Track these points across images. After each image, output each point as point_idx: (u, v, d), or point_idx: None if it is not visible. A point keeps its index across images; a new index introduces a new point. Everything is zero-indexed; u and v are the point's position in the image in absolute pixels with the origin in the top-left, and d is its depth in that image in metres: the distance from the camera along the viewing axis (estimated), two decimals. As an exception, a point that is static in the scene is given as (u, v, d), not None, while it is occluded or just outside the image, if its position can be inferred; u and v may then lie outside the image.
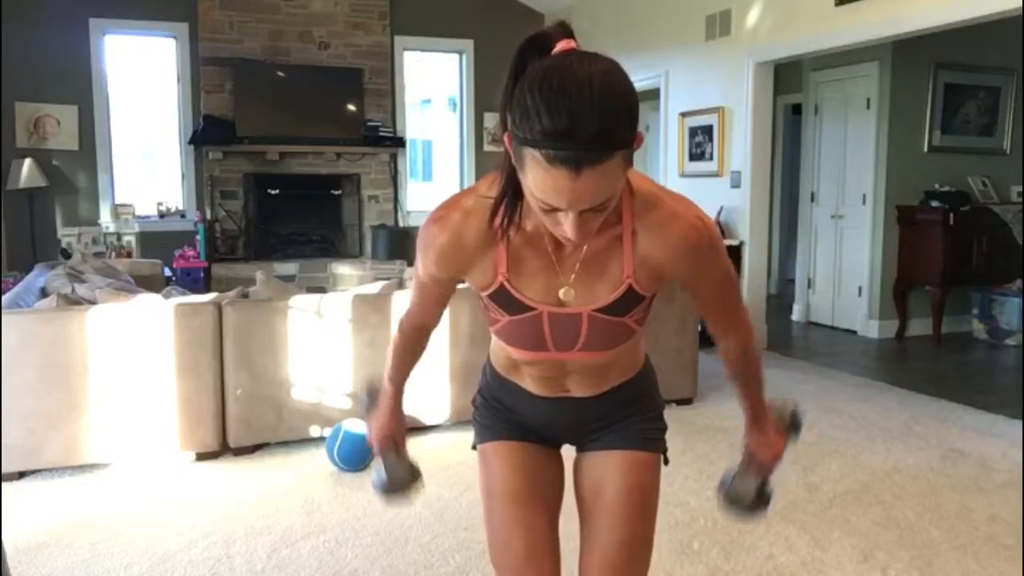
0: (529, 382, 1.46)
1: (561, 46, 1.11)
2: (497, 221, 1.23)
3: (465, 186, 8.99)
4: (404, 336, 1.58)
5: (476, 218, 1.26)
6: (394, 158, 8.02)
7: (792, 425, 1.56)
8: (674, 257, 1.27)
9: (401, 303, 3.83)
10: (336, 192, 7.97)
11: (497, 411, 1.52)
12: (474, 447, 1.57)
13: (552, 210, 1.10)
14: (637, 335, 1.39)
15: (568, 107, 1.01)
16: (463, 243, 1.28)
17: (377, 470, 1.62)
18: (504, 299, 1.32)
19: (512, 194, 1.20)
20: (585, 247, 1.26)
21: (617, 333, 1.34)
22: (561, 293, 1.30)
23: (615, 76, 1.06)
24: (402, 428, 1.65)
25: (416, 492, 1.64)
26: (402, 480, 1.60)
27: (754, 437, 1.54)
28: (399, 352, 1.60)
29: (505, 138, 1.11)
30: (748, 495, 1.52)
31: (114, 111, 7.38)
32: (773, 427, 1.54)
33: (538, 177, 1.06)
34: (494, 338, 1.47)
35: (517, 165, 1.10)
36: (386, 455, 1.61)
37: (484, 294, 1.34)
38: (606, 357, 1.38)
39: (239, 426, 3.66)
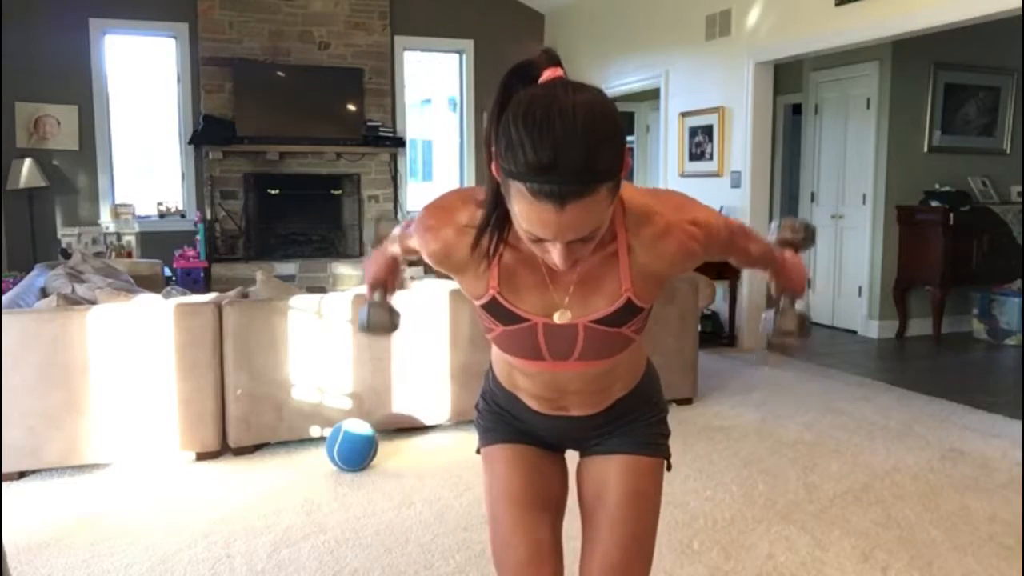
0: (528, 399, 1.47)
1: (547, 75, 1.10)
2: (484, 245, 1.22)
3: (465, 186, 8.93)
4: (402, 249, 1.59)
5: (468, 237, 1.24)
6: (394, 158, 8.02)
7: (806, 239, 1.68)
8: (675, 263, 1.28)
9: (401, 303, 3.82)
10: (336, 192, 7.96)
11: (500, 415, 1.53)
12: (478, 451, 1.57)
13: (539, 240, 1.10)
14: (636, 343, 1.39)
15: (552, 140, 1.01)
16: (453, 257, 1.29)
17: (363, 310, 1.73)
18: (497, 310, 1.32)
19: (498, 220, 1.19)
20: (579, 267, 1.26)
21: (614, 342, 1.34)
22: (556, 316, 1.29)
23: (600, 106, 1.05)
24: (394, 279, 1.72)
25: (391, 332, 1.78)
26: (382, 323, 1.73)
27: (779, 280, 1.61)
28: (396, 252, 1.64)
29: (492, 167, 1.10)
30: (792, 329, 1.65)
31: (114, 111, 7.38)
32: (791, 259, 1.61)
33: (524, 209, 1.06)
34: (494, 346, 1.47)
35: (504, 193, 1.10)
36: (373, 298, 1.72)
37: (477, 303, 1.34)
38: (604, 366, 1.38)
39: (239, 426, 3.65)
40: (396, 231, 1.62)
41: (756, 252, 1.51)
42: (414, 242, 1.41)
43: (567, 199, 1.02)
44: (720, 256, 1.42)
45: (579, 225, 1.06)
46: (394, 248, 1.64)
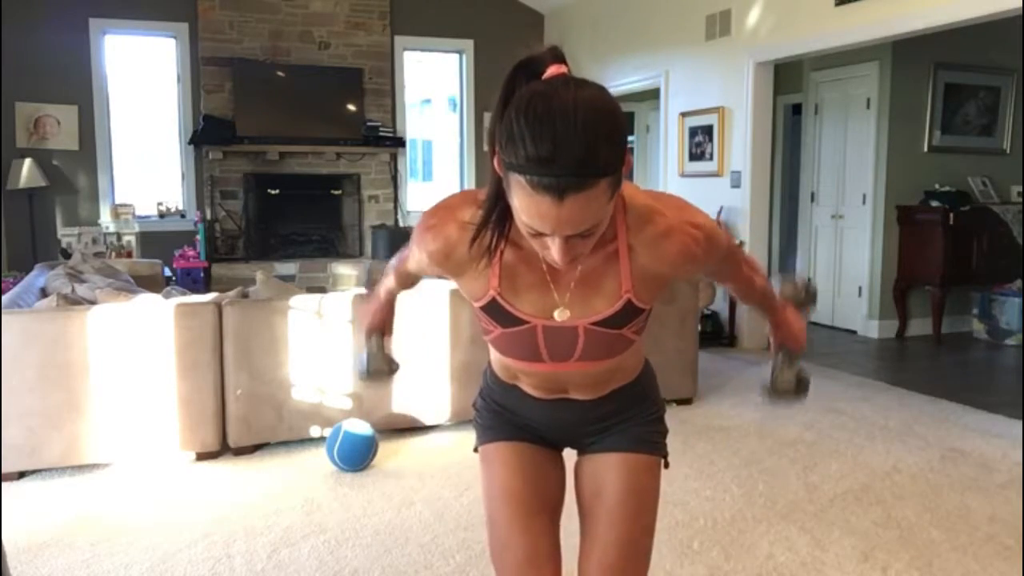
0: (527, 385, 1.47)
1: (552, 71, 1.11)
2: (484, 243, 1.22)
3: (465, 187, 8.98)
4: (397, 278, 1.63)
5: (469, 234, 1.24)
6: (394, 158, 8.02)
7: (808, 298, 1.69)
8: (675, 266, 1.28)
9: (401, 304, 3.83)
10: (336, 192, 7.97)
11: (498, 413, 1.53)
12: (475, 450, 1.57)
13: (539, 234, 1.10)
14: (637, 343, 1.40)
15: (552, 134, 1.01)
16: (454, 255, 1.28)
17: (361, 357, 1.78)
18: (496, 312, 1.32)
19: (499, 215, 1.19)
20: (580, 266, 1.26)
21: (615, 344, 1.35)
22: (556, 313, 1.29)
23: (601, 102, 1.06)
24: (389, 323, 1.77)
25: (391, 379, 1.83)
26: (380, 369, 1.77)
27: (780, 332, 1.62)
28: (390, 287, 1.67)
29: (495, 161, 1.11)
30: (791, 386, 1.65)
31: (114, 111, 7.38)
32: (791, 314, 1.62)
33: (523, 202, 1.06)
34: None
35: (505, 187, 1.10)
36: (370, 343, 1.76)
37: (476, 305, 1.34)
38: (604, 366, 1.39)
39: (239, 426, 3.65)
40: (392, 262, 1.65)
41: (759, 284, 1.52)
42: (412, 259, 1.42)
43: (566, 192, 1.03)
44: (719, 274, 1.43)
45: (577, 219, 1.06)
46: (388, 283, 1.67)
